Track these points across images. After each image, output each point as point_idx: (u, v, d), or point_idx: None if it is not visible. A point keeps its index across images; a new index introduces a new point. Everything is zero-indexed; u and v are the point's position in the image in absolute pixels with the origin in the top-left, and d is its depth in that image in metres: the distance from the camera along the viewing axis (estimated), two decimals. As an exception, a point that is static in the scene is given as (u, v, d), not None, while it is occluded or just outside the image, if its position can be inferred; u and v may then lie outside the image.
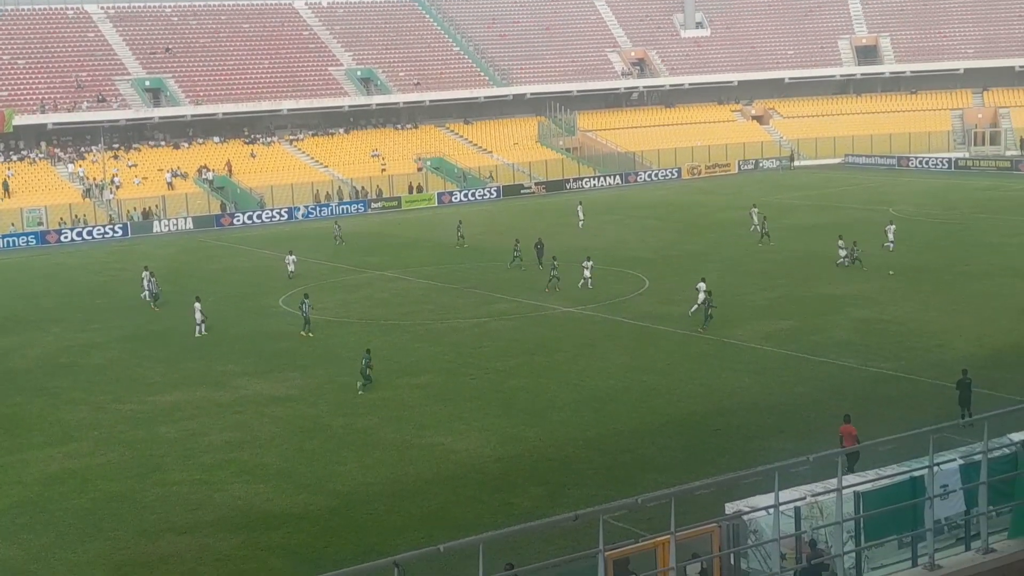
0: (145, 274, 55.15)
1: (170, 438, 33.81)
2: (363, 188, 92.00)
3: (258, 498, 28.68)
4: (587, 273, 51.89)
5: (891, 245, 56.51)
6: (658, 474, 28.43)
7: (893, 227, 58.10)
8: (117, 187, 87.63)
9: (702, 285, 45.19)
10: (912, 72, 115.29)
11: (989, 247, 58.11)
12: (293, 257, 58.73)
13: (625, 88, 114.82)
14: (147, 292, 53.93)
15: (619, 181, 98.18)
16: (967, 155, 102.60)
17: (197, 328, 46.94)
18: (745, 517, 17.67)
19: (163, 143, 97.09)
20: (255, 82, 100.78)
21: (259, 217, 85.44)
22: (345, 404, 36.55)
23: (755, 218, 65.60)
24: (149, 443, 33.42)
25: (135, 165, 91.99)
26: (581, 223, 72.10)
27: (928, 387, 35.07)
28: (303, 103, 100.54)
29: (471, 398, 36.52)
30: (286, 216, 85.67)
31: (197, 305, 47.59)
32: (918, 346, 40.19)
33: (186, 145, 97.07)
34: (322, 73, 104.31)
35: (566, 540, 22.93)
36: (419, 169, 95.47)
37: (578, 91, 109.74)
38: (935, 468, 12.73)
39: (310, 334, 45.38)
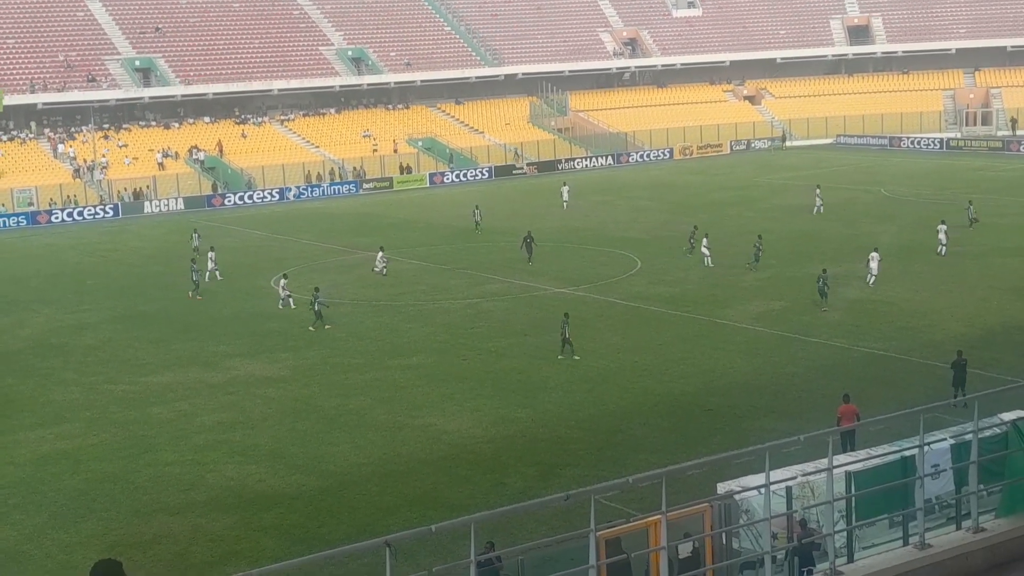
0: (211, 255, 54.76)
1: (162, 419, 33.81)
2: (356, 168, 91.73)
3: (250, 479, 28.72)
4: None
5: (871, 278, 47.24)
6: (650, 454, 28.50)
7: (877, 255, 48.03)
8: (106, 167, 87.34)
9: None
10: (904, 52, 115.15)
11: (981, 227, 58.17)
12: (383, 254, 53.05)
13: (617, 68, 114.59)
14: (211, 272, 52.65)
15: (611, 162, 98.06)
16: (958, 135, 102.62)
17: (215, 274, 52.95)
18: (736, 497, 17.71)
19: (153, 123, 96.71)
20: (246, 62, 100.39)
21: (250, 198, 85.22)
22: (337, 385, 36.56)
23: (818, 200, 65.19)
24: (141, 424, 33.42)
25: (125, 145, 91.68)
26: (566, 204, 72.00)
27: (919, 367, 35.18)
28: (294, 83, 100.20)
29: (463, 379, 36.55)
30: (277, 197, 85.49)
31: (211, 255, 53.88)
32: (909, 326, 40.28)
33: (176, 125, 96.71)
34: (313, 53, 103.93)
35: (558, 520, 22.98)
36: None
37: (570, 71, 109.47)
38: (926, 448, 12.77)
39: (327, 327, 43.43)
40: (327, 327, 43.29)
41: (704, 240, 51.96)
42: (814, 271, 49.11)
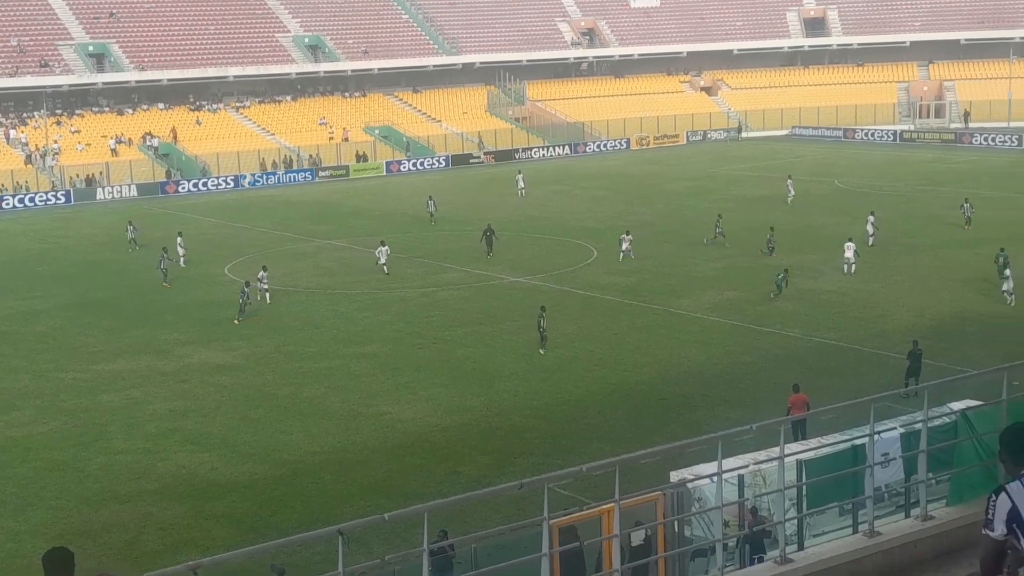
0: (179, 240, 54.26)
1: (113, 407, 33.50)
2: (312, 156, 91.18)
3: (202, 467, 28.52)
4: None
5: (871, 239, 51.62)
6: (604, 443, 28.57)
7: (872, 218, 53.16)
8: (58, 153, 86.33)
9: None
10: (859, 45, 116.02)
11: (932, 219, 58.77)
12: (386, 248, 50.69)
13: (574, 58, 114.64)
14: (161, 257, 50.69)
15: (568, 151, 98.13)
16: (912, 128, 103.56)
17: (181, 260, 52.27)
18: (689, 485, 17.79)
19: (107, 109, 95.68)
20: (201, 48, 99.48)
21: (204, 185, 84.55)
22: (291, 373, 36.38)
23: (791, 189, 65.52)
24: (92, 412, 33.10)
25: (78, 131, 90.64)
26: (522, 192, 71.96)
27: (870, 357, 35.50)
28: (250, 70, 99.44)
29: (418, 367, 36.48)
30: (232, 184, 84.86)
31: (179, 239, 53.57)
32: (861, 317, 40.64)
33: (130, 111, 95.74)
34: (269, 40, 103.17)
35: (512, 508, 22.99)
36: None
37: (527, 61, 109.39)
38: (876, 437, 12.86)
39: (236, 321, 42.44)
40: (236, 322, 42.34)
41: (625, 235, 51.51)
42: (769, 262, 49.50)
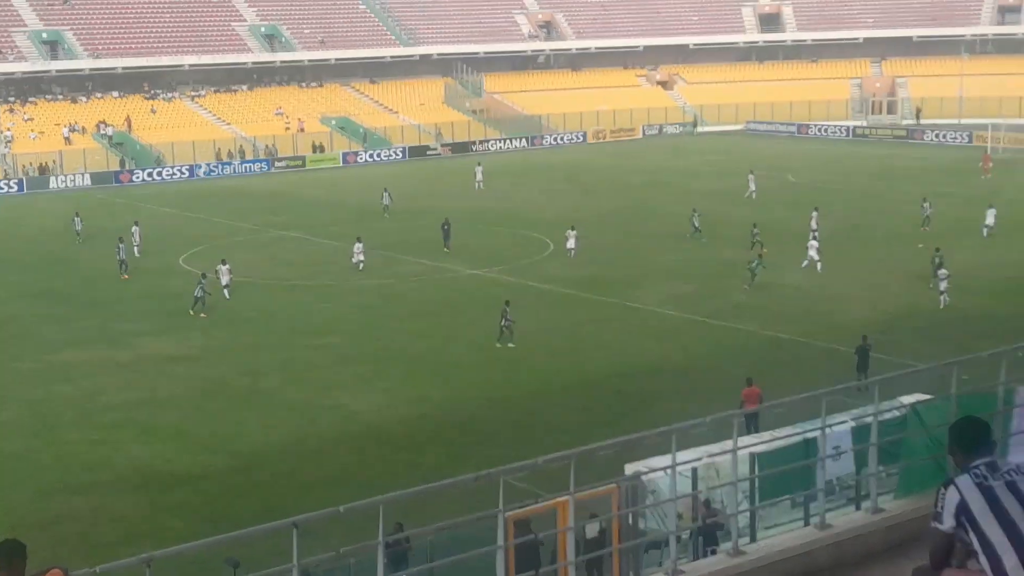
0: (135, 230, 53.49)
1: (67, 397, 33.25)
2: (268, 147, 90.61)
3: (157, 458, 28.39)
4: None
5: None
6: (560, 435, 28.69)
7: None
8: (10, 141, 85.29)
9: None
10: (813, 40, 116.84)
11: (884, 214, 59.37)
12: (360, 246, 49.63)
13: (532, 51, 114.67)
14: (118, 247, 49.71)
15: (525, 144, 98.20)
16: (865, 124, 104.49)
17: (136, 249, 51.55)
18: (644, 478, 17.94)
19: (60, 97, 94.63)
20: (156, 36, 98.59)
21: (159, 174, 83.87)
22: (248, 364, 36.24)
23: (752, 184, 65.35)
24: (46, 402, 32.83)
25: (31, 119, 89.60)
26: (480, 184, 71.93)
27: (822, 350, 35.87)
28: (205, 58, 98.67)
29: (376, 359, 36.46)
30: (187, 174, 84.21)
31: (135, 230, 52.95)
32: (814, 310, 41.03)
33: (84, 99, 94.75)
34: (225, 28, 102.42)
35: (468, 500, 23.02)
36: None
37: (485, 53, 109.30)
38: (827, 430, 13.03)
39: (201, 315, 41.99)
40: (201, 315, 41.79)
41: (570, 230, 50.64)
42: (723, 255, 49.87)
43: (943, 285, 40.67)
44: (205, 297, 42.08)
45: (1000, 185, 67.08)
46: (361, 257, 48.73)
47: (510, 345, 36.99)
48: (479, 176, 72.61)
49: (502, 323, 37.36)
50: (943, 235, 50.94)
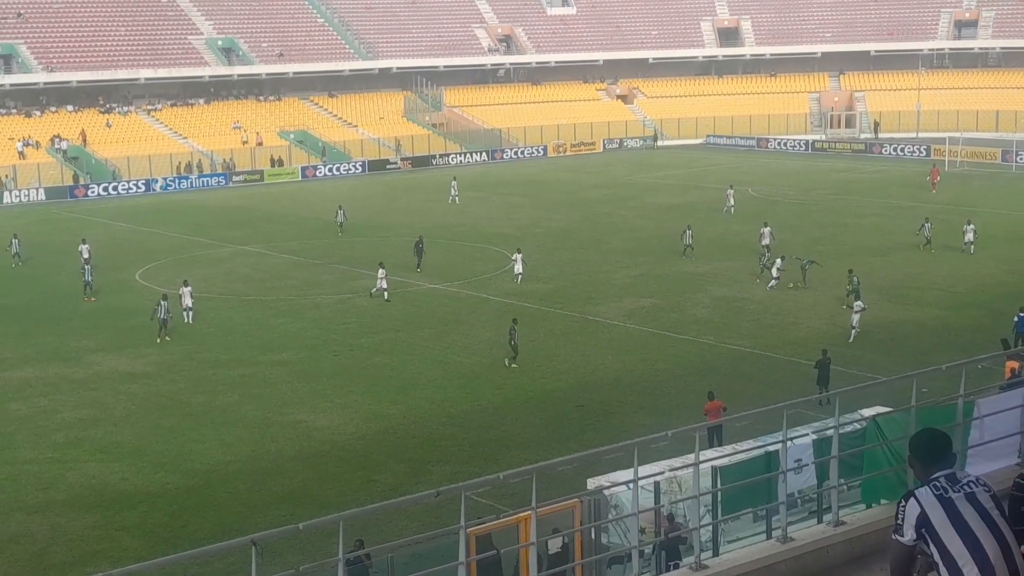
0: (83, 247, 51.59)
1: (21, 415, 32.77)
2: (225, 161, 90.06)
3: (113, 477, 28.01)
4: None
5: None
6: (521, 450, 28.60)
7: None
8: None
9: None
10: (771, 55, 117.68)
11: (843, 227, 59.79)
12: (383, 272, 46.29)
13: (492, 64, 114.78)
14: (84, 268, 48.31)
15: (485, 158, 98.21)
16: (823, 137, 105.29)
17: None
18: (606, 492, 17.88)
19: (14, 111, 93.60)
20: (111, 50, 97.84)
21: (115, 189, 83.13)
22: (204, 381, 35.88)
23: (730, 199, 64.83)
24: (-2, 421, 32.33)
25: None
26: (455, 199, 71.65)
27: (783, 363, 35.99)
28: (161, 72, 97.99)
29: (334, 375, 36.21)
30: (143, 188, 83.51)
31: (85, 246, 50.89)
32: (774, 324, 41.18)
33: (38, 113, 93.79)
34: (181, 42, 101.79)
35: (429, 517, 22.91)
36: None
37: (444, 66, 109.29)
38: (788, 443, 13.03)
39: (163, 339, 40.35)
40: (166, 339, 40.16)
41: (516, 253, 49.10)
42: (684, 269, 50.03)
43: (856, 319, 38.42)
44: (168, 319, 40.61)
45: (968, 199, 67.67)
46: (384, 285, 45.74)
47: (513, 365, 36.14)
48: (454, 191, 72.37)
49: (513, 342, 36.41)
50: (901, 248, 51.36)
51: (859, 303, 39.33)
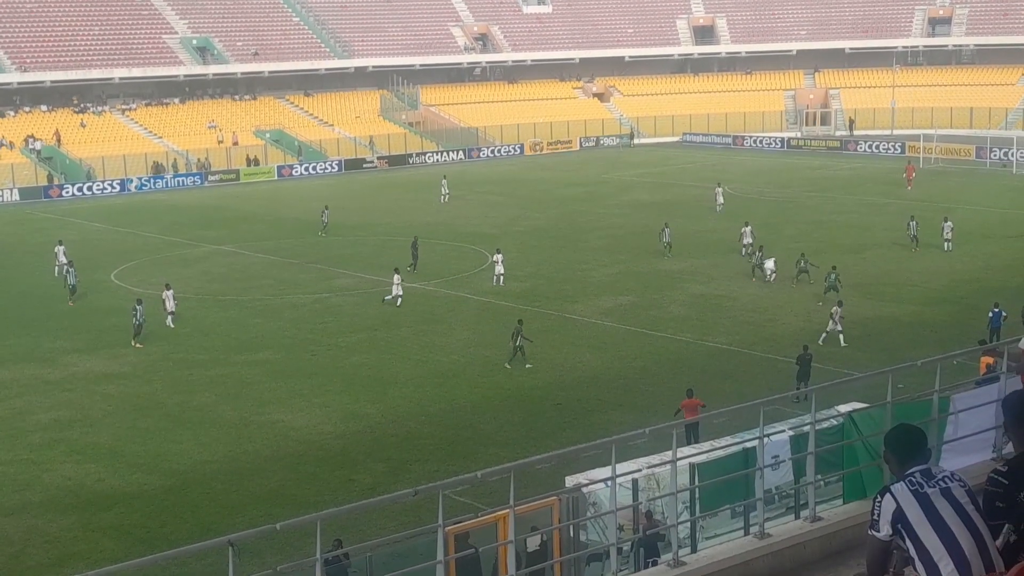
0: (59, 249, 51.30)
1: (-5, 418, 32.56)
2: (200, 160, 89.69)
3: (89, 478, 27.87)
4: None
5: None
6: (499, 448, 28.60)
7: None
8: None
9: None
10: (747, 53, 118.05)
11: (819, 224, 60.03)
12: (399, 277, 44.93)
13: (468, 63, 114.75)
14: (59, 270, 47.50)
15: (462, 156, 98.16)
16: (799, 135, 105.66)
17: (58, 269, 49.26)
18: (584, 490, 17.91)
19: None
20: (85, 49, 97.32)
21: (89, 189, 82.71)
22: (181, 381, 35.74)
23: (719, 197, 64.65)
24: (-27, 423, 32.12)
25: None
26: (446, 196, 71.43)
27: (760, 360, 36.10)
28: (136, 72, 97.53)
29: (312, 374, 36.12)
30: (118, 188, 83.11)
31: (61, 248, 50.85)
32: (751, 321, 41.31)
33: (12, 114, 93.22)
34: (156, 41, 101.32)
35: (407, 516, 22.90)
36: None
37: (421, 65, 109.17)
38: (766, 439, 13.08)
39: (138, 345, 39.67)
40: (138, 345, 39.61)
41: (496, 254, 48.65)
42: (662, 266, 50.14)
43: (838, 325, 37.31)
44: (143, 324, 40.05)
45: (943, 195, 68.06)
46: (399, 291, 44.51)
47: (528, 366, 35.92)
48: (445, 189, 72.19)
49: (516, 343, 36.15)
50: (877, 245, 51.57)
51: (838, 308, 37.71)
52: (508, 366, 36.09)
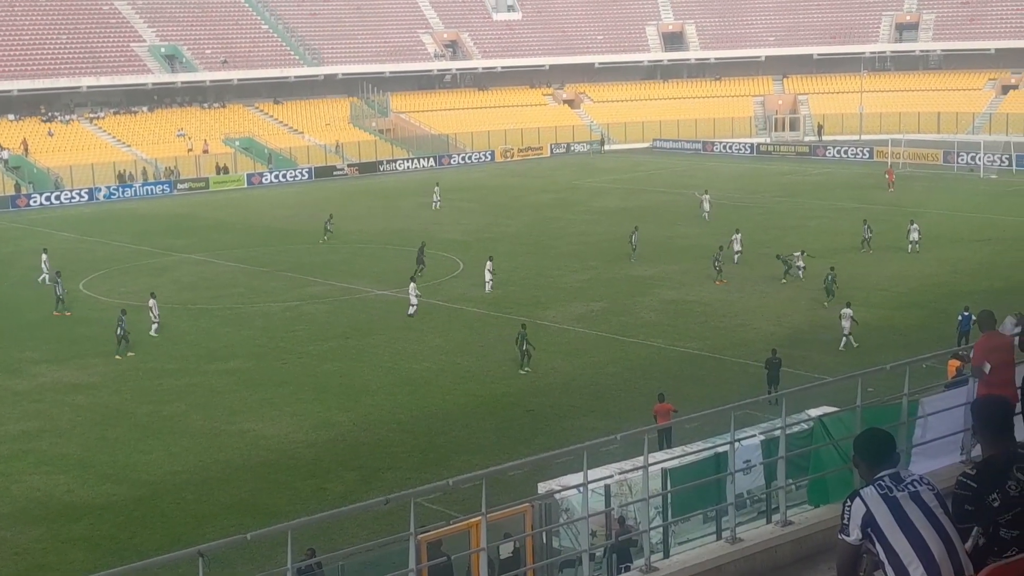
0: (44, 257, 50.79)
1: (-38, 429, 32.24)
2: (169, 168, 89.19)
3: (58, 489, 27.65)
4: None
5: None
6: (471, 455, 28.55)
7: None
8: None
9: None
10: (716, 59, 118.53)
11: (789, 230, 60.29)
12: (414, 286, 44.51)
13: (438, 70, 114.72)
14: (56, 281, 46.51)
15: (433, 163, 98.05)
16: (768, 140, 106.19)
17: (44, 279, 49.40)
18: (556, 496, 17.90)
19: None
20: (53, 58, 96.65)
21: (57, 198, 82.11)
22: (150, 391, 35.51)
23: (706, 204, 64.44)
24: (-61, 435, 31.79)
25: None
26: (437, 203, 71.30)
27: (731, 365, 36.21)
28: (104, 80, 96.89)
29: (283, 383, 35.97)
30: (86, 197, 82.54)
31: (44, 257, 50.82)
32: (722, 326, 41.43)
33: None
34: (124, 49, 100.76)
35: (380, 524, 22.82)
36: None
37: (390, 72, 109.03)
38: (737, 444, 13.11)
39: (129, 354, 39.22)
40: (129, 355, 39.21)
41: (488, 263, 48.23)
42: (632, 272, 50.24)
43: (847, 325, 37.37)
44: (126, 335, 39.58)
45: (911, 200, 68.51)
46: (415, 301, 43.73)
47: (527, 370, 35.93)
48: (437, 195, 72.12)
49: (522, 347, 36.15)
50: (846, 250, 51.81)
51: (848, 309, 37.65)
52: (524, 371, 35.90)
